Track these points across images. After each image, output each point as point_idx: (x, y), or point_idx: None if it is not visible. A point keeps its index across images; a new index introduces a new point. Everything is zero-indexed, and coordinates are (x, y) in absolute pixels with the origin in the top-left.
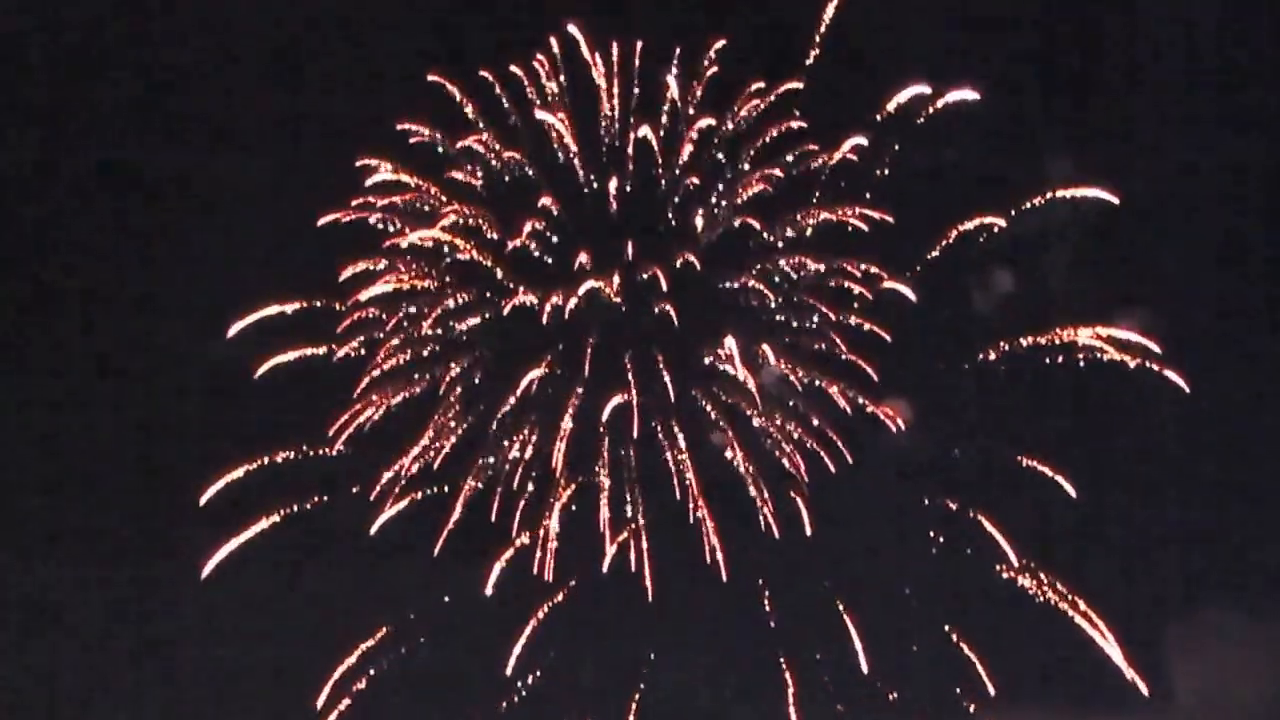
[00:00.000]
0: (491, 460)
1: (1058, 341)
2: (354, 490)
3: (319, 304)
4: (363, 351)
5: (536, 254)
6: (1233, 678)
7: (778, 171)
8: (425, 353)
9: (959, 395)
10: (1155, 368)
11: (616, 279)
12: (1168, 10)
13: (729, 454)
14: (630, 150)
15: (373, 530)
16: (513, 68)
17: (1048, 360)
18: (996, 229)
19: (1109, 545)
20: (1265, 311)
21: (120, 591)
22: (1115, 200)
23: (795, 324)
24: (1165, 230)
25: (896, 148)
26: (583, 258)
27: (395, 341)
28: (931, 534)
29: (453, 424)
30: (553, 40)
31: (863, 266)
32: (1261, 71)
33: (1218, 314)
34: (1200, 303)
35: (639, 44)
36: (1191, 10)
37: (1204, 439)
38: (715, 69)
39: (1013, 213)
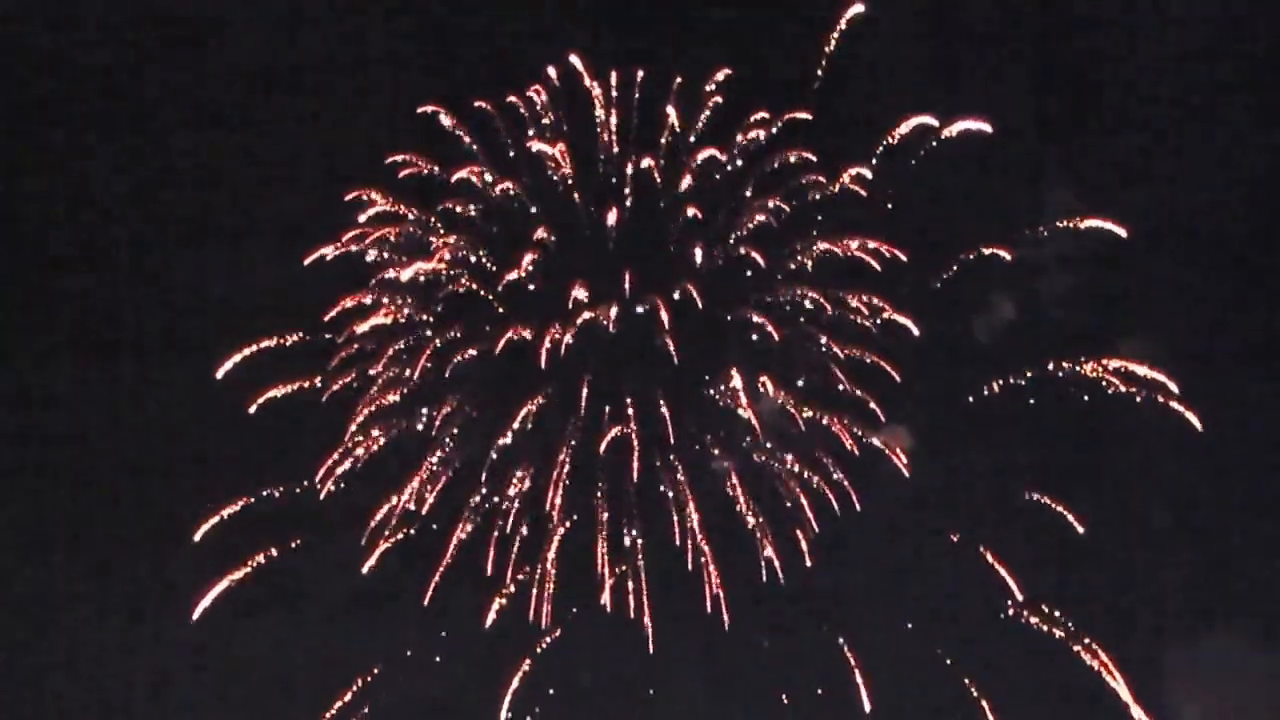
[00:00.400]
0: (485, 497)
1: (1061, 373)
2: (346, 528)
3: (311, 338)
4: (356, 384)
5: (532, 287)
6: (1238, 709)
7: (780, 203)
8: (419, 389)
9: (963, 427)
10: (1160, 398)
11: (614, 311)
12: (1170, 37)
13: (730, 490)
14: (629, 181)
15: (365, 569)
16: (511, 98)
17: (1051, 392)
18: (1000, 259)
19: (1113, 576)
20: (1268, 340)
21: (114, 629)
22: (1123, 233)
23: (797, 355)
24: (1170, 259)
25: (900, 180)
26: (580, 291)
27: (388, 376)
28: (935, 568)
29: (446, 461)
30: (551, 70)
31: (865, 298)
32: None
33: (1222, 344)
34: (1204, 332)
35: (639, 73)
36: (1194, 36)
37: (1207, 468)
38: (718, 99)
39: (1016, 243)
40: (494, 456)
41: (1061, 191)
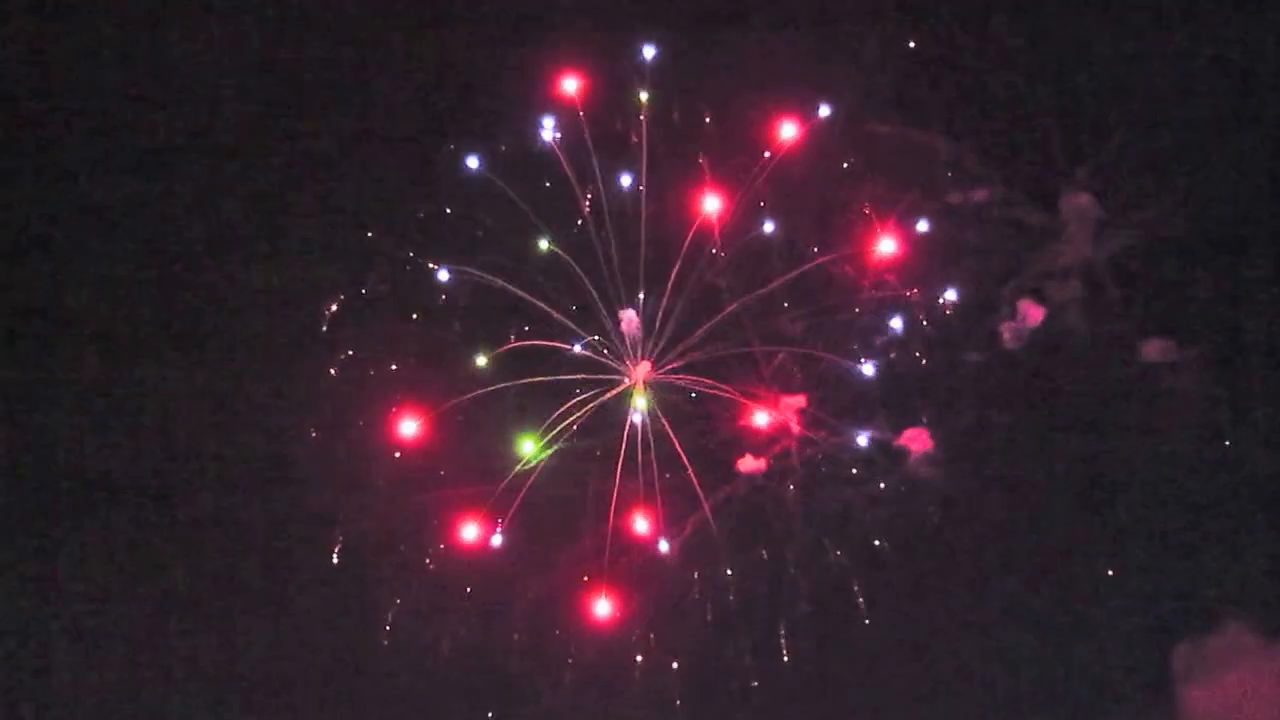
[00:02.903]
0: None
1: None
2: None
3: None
4: None
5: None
6: (1246, 701)
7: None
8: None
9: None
10: (1178, 390)
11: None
12: (1186, 42)
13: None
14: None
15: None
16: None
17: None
18: (1025, 266)
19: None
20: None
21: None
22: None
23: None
24: (1192, 263)
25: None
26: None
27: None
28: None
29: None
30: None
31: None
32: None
33: (1239, 338)
34: (1222, 331)
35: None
36: (1211, 41)
37: (1219, 457)
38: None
39: (1041, 250)
40: None
41: (1085, 197)
